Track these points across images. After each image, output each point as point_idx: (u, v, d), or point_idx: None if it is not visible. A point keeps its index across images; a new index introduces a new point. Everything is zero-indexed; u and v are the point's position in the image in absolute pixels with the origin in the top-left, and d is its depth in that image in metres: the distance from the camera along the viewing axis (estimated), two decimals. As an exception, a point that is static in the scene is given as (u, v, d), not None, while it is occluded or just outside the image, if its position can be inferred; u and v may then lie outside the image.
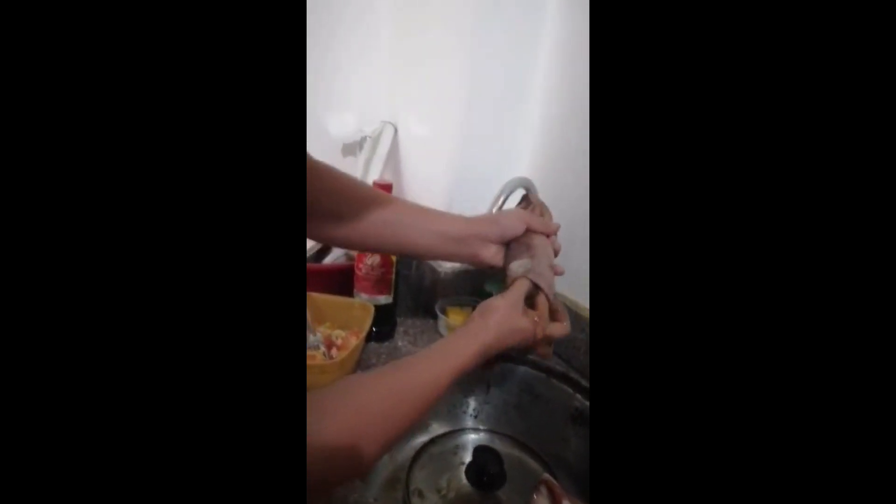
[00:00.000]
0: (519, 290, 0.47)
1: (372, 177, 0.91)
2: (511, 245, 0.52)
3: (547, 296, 0.48)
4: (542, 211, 0.56)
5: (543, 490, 0.39)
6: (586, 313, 0.73)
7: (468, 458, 0.70)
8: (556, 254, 0.54)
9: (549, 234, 0.53)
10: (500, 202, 0.71)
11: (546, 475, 0.40)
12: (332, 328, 0.71)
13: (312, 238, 0.48)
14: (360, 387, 0.37)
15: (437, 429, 0.76)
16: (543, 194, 0.64)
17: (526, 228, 0.51)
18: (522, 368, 0.76)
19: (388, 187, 0.72)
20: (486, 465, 0.67)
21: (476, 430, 0.78)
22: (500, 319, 0.44)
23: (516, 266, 0.49)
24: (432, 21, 0.83)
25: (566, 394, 0.73)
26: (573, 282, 0.75)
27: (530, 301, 0.49)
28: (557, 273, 0.53)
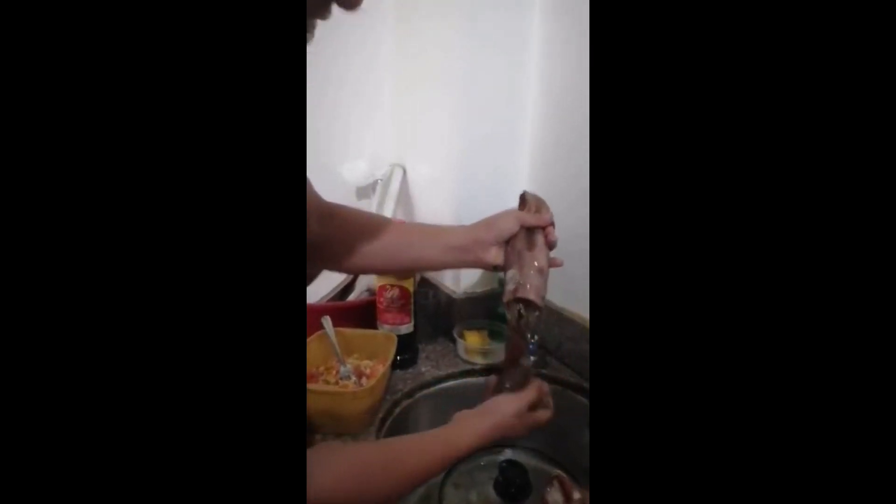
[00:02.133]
0: (527, 396, 0.53)
1: (386, 215, 0.98)
2: (507, 249, 0.56)
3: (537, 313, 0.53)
4: (539, 207, 0.59)
5: (556, 484, 0.43)
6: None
7: (495, 472, 0.74)
8: (552, 246, 0.57)
9: (544, 227, 0.56)
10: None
11: (559, 472, 0.45)
12: (361, 359, 0.77)
13: (331, 269, 0.54)
14: (339, 454, 0.41)
15: (464, 447, 0.81)
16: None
17: (520, 225, 0.55)
18: (539, 383, 0.81)
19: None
20: (512, 478, 0.71)
21: (501, 446, 0.82)
22: (501, 423, 0.50)
23: (508, 278, 0.54)
24: (428, 70, 0.92)
25: (582, 404, 0.77)
26: (576, 294, 0.80)
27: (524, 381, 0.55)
28: (555, 265, 0.57)
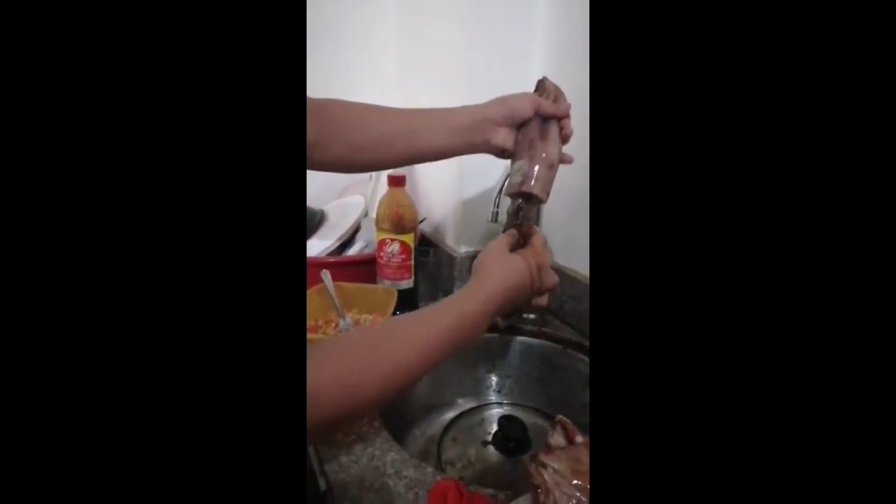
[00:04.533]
0: (504, 238, 0.47)
1: (385, 171, 0.96)
2: (518, 135, 0.51)
3: (540, 200, 0.49)
4: (557, 96, 0.54)
5: (559, 428, 0.43)
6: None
7: (494, 429, 0.74)
8: (566, 139, 0.52)
9: (560, 117, 0.52)
10: (505, 184, 0.75)
11: (560, 416, 0.44)
12: (360, 313, 0.76)
13: (328, 170, 0.49)
14: (355, 332, 0.38)
15: (463, 404, 0.81)
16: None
17: (535, 111, 0.50)
18: (539, 342, 0.80)
19: (401, 179, 0.77)
20: (511, 433, 0.72)
21: (500, 404, 0.82)
22: (491, 269, 0.44)
23: (514, 169, 0.49)
24: (433, 18, 0.89)
25: (583, 363, 0.77)
26: (578, 252, 0.79)
27: (525, 241, 0.49)
28: (565, 161, 0.52)
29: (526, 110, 0.50)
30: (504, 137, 0.50)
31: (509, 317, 0.47)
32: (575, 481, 0.37)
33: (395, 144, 0.49)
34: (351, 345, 0.37)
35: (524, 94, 0.51)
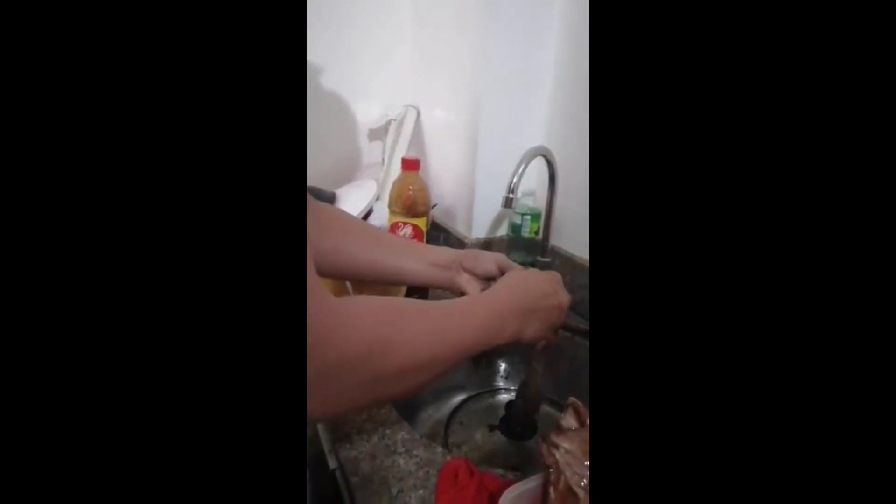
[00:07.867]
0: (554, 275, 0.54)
1: (398, 155, 0.96)
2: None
3: None
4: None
5: (571, 411, 0.43)
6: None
7: (501, 413, 0.75)
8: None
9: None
10: (520, 170, 0.75)
11: (573, 399, 0.44)
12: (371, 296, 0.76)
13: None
14: (380, 298, 0.37)
15: (471, 389, 0.81)
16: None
17: (500, 270, 0.55)
18: (549, 329, 0.80)
19: (415, 163, 0.77)
20: (517, 418, 0.72)
21: (507, 389, 0.83)
22: (517, 275, 0.50)
23: None
24: (448, 11, 0.89)
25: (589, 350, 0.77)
26: (587, 242, 0.79)
27: None
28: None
29: (491, 270, 0.54)
30: (466, 281, 0.55)
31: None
32: (586, 462, 0.37)
33: (378, 259, 0.54)
34: (387, 299, 0.37)
35: (492, 255, 0.56)
